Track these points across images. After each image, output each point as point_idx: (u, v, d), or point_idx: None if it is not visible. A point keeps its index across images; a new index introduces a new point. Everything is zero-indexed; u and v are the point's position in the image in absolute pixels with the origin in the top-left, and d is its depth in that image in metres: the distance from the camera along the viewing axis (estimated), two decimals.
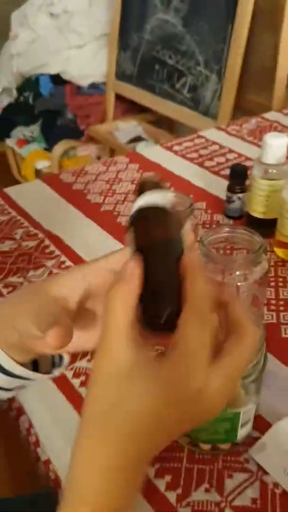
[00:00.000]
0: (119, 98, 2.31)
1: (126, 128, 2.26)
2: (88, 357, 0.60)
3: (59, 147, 2.28)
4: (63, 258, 0.77)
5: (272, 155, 0.74)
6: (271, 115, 1.25)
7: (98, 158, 2.41)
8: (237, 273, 0.55)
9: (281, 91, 1.69)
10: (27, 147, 2.42)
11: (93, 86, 2.35)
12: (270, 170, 0.75)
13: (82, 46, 2.32)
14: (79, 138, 2.35)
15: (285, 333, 0.63)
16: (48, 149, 2.35)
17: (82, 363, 0.60)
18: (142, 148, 2.09)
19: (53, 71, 2.32)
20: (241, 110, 2.06)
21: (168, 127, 2.44)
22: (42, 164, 2.36)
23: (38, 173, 2.34)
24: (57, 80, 2.34)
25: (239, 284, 0.55)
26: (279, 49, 1.66)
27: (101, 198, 0.94)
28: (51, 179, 1.01)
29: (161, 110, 2.08)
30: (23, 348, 0.41)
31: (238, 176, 0.82)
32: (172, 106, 2.01)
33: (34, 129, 2.48)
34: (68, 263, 0.76)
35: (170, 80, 2.02)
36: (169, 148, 1.10)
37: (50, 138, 2.38)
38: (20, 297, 0.42)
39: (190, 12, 1.87)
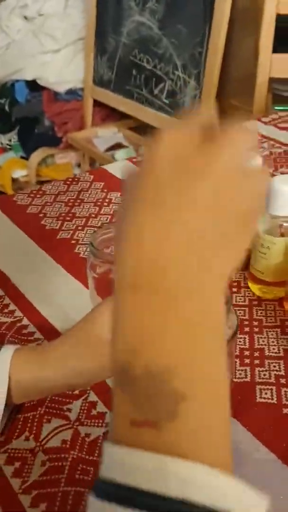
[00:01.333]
0: (98, 104, 2.22)
1: (106, 135, 2.18)
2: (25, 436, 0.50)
3: (36, 155, 2.22)
4: (6, 300, 0.67)
5: None
6: (249, 124, 1.15)
7: (79, 165, 2.33)
8: None
9: (262, 96, 1.60)
10: (3, 156, 2.35)
11: (71, 92, 2.28)
12: None
13: (58, 50, 2.24)
14: (57, 145, 2.28)
15: (261, 396, 0.52)
16: (26, 157, 2.29)
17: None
18: (121, 156, 2.00)
19: (29, 76, 2.24)
20: (221, 115, 1.97)
21: (149, 132, 2.35)
22: (19, 173, 2.30)
23: (15, 182, 2.26)
24: (33, 86, 2.25)
25: None
26: (258, 52, 1.57)
27: (58, 224, 0.83)
28: (3, 201, 0.91)
29: (140, 117, 1.99)
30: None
31: None
32: (151, 112, 1.92)
33: (11, 137, 2.40)
34: (12, 307, 0.66)
35: (148, 85, 1.93)
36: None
37: (27, 146, 2.32)
38: None
39: (166, 14, 1.78)
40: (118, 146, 2.11)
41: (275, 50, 1.55)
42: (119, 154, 2.01)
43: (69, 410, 0.52)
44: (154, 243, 0.25)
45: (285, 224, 0.60)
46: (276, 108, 1.23)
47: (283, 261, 0.62)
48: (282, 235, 0.61)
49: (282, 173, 0.94)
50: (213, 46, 1.59)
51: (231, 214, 0.27)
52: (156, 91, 1.90)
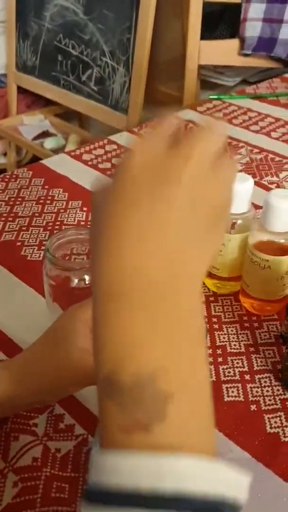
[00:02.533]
0: (22, 90, 2.15)
1: (32, 122, 2.12)
2: None
3: None
4: None
5: None
6: (185, 114, 1.15)
7: (4, 154, 2.25)
8: None
9: (192, 83, 1.61)
10: None
11: None
12: None
13: None
14: None
15: (229, 395, 0.53)
16: None
17: None
18: (50, 144, 1.95)
19: None
20: (152, 102, 1.97)
21: (77, 119, 2.31)
22: None
23: None
24: None
25: None
26: (186, 38, 1.57)
27: (0, 224, 0.80)
28: None
29: (68, 104, 1.95)
30: None
31: None
32: (79, 99, 1.88)
33: None
34: None
35: (75, 71, 1.88)
36: (78, 157, 0.98)
37: None
38: None
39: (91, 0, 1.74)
40: (45, 134, 2.06)
41: (201, 36, 1.56)
42: (49, 142, 1.96)
43: (35, 425, 0.50)
44: (133, 251, 0.26)
45: (238, 221, 0.61)
46: (210, 97, 1.23)
47: (237, 256, 0.62)
48: (234, 231, 0.61)
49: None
50: (141, 32, 1.57)
51: (203, 214, 0.28)
52: (84, 78, 1.86)
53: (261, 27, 1.57)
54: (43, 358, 0.46)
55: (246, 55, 1.59)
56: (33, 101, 2.23)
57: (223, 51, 1.61)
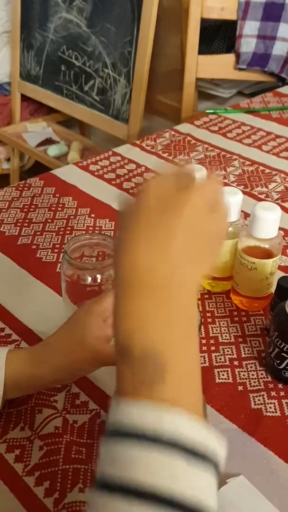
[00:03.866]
0: (25, 98, 2.23)
1: (35, 129, 2.20)
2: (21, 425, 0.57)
3: None
4: None
5: None
6: (183, 127, 1.25)
7: (8, 160, 2.33)
8: None
9: (190, 95, 1.70)
10: None
11: None
12: None
13: None
14: None
15: (220, 378, 0.62)
16: None
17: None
18: (54, 151, 2.04)
19: None
20: (151, 112, 2.06)
21: (79, 127, 2.39)
22: None
23: None
24: None
25: None
26: (184, 52, 1.66)
27: (16, 229, 0.89)
28: None
29: (71, 113, 2.03)
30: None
31: None
32: (82, 109, 1.96)
33: None
34: None
35: (78, 82, 1.97)
36: (85, 168, 1.07)
37: None
38: None
39: (94, 13, 1.83)
40: (48, 141, 2.14)
41: (198, 49, 1.65)
42: (52, 150, 2.04)
43: (55, 401, 0.59)
44: (146, 254, 0.35)
45: (229, 228, 0.70)
46: (207, 111, 1.32)
47: (229, 259, 0.71)
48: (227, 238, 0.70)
49: (217, 175, 1.04)
50: (142, 46, 1.66)
51: (199, 240, 0.37)
52: (86, 88, 1.95)
53: (255, 43, 1.66)
54: (62, 343, 0.55)
55: (241, 69, 1.68)
56: (36, 108, 2.31)
57: (219, 65, 1.70)
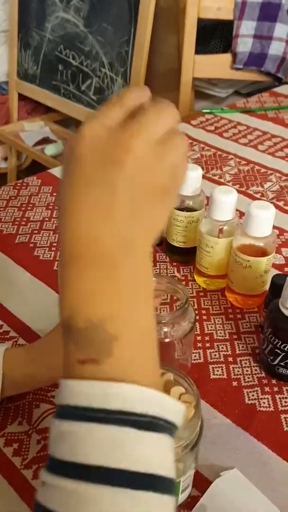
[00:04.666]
0: (23, 97, 2.24)
1: (32, 128, 2.20)
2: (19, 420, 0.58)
3: None
4: None
5: (187, 187, 0.74)
6: (179, 127, 1.25)
7: (5, 159, 2.34)
8: (164, 329, 0.55)
9: (187, 95, 1.71)
10: None
11: None
12: (187, 202, 0.75)
13: None
14: None
15: (214, 374, 0.63)
16: None
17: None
18: (51, 151, 2.05)
19: None
20: None
21: (75, 125, 2.40)
22: None
23: None
24: None
25: (166, 341, 0.55)
26: (182, 52, 1.67)
27: (14, 228, 0.90)
28: None
29: (68, 112, 2.04)
30: None
31: None
32: (79, 108, 1.97)
33: None
34: None
35: (75, 81, 1.98)
36: None
37: None
38: None
39: (91, 13, 1.84)
40: (45, 140, 2.15)
41: (195, 49, 1.66)
42: (49, 149, 2.05)
43: (53, 397, 0.60)
44: (88, 222, 0.31)
45: (224, 227, 0.71)
46: (203, 111, 1.33)
47: (224, 257, 0.72)
48: (222, 236, 0.72)
49: (213, 174, 1.05)
50: (139, 45, 1.67)
51: (147, 192, 0.32)
52: (83, 87, 1.96)
53: (252, 43, 1.66)
54: (57, 342, 0.55)
55: (238, 69, 1.69)
56: (33, 108, 2.31)
57: (216, 65, 1.71)
